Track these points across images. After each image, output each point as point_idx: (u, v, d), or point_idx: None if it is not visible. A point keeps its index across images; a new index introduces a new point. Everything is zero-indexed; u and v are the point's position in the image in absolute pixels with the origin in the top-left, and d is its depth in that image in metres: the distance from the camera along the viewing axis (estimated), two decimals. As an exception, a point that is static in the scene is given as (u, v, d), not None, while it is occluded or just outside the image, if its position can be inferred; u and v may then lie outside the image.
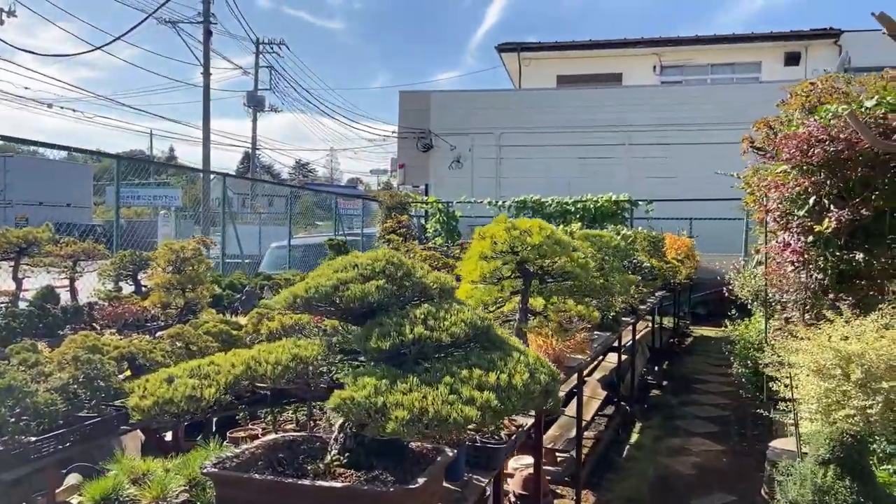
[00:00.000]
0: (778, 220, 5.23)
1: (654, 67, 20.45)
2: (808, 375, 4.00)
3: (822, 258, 4.99)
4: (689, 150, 16.20)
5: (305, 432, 2.69)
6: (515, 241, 3.10)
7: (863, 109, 4.91)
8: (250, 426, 2.92)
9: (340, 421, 2.09)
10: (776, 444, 4.31)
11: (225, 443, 2.65)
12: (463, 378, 1.68)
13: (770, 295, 5.59)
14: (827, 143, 4.62)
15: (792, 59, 20.23)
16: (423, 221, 17.21)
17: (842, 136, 4.61)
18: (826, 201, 5.13)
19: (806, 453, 3.82)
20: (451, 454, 2.14)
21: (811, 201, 5.03)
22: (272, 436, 2.33)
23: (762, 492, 4.10)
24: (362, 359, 1.97)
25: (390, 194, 17.82)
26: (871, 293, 4.86)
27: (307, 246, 13.69)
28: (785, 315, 5.10)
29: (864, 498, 3.30)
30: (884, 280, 4.93)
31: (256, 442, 2.23)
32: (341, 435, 2.04)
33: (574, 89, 18.43)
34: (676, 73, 20.48)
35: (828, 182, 4.95)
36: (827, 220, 4.74)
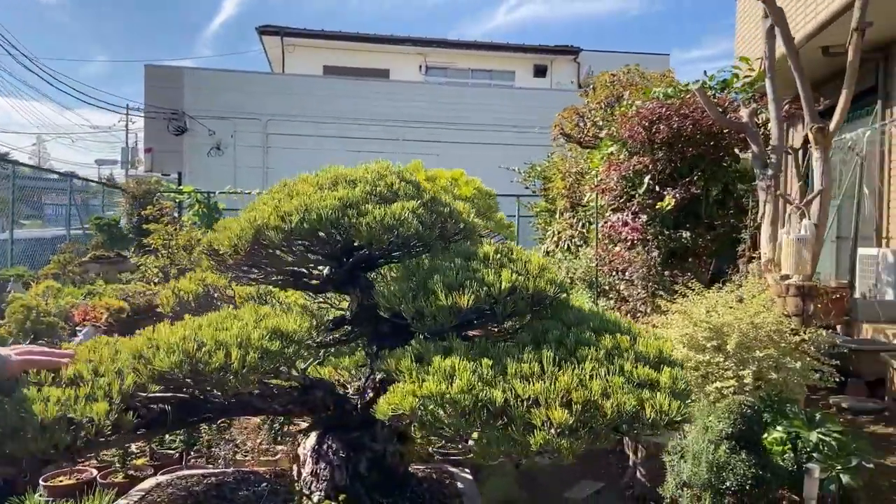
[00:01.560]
0: (618, 198, 5.23)
1: (420, 67, 20.77)
2: (682, 349, 3.92)
3: (657, 237, 5.08)
4: (458, 148, 16.63)
5: (186, 467, 1.78)
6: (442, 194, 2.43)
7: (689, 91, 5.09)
8: (77, 465, 1.85)
9: (311, 441, 1.28)
10: (639, 423, 4.18)
11: (38, 495, 1.60)
12: (610, 350, 1.01)
13: (602, 275, 5.58)
14: (672, 119, 4.68)
15: (540, 72, 22.02)
16: (175, 214, 15.29)
17: (684, 110, 4.69)
18: (652, 182, 5.24)
19: (687, 431, 3.71)
20: (469, 477, 1.45)
21: (646, 180, 5.10)
22: (158, 479, 1.40)
23: (638, 474, 3.92)
24: (415, 330, 1.18)
25: (136, 181, 15.56)
26: (701, 270, 5.04)
27: (35, 240, 11.24)
28: (626, 293, 5.09)
29: (762, 470, 3.21)
30: (707, 256, 5.16)
31: (138, 491, 1.31)
32: (322, 466, 1.22)
33: (346, 79, 17.87)
34: (441, 74, 21.03)
35: (661, 161, 5.05)
36: (668, 197, 4.80)
